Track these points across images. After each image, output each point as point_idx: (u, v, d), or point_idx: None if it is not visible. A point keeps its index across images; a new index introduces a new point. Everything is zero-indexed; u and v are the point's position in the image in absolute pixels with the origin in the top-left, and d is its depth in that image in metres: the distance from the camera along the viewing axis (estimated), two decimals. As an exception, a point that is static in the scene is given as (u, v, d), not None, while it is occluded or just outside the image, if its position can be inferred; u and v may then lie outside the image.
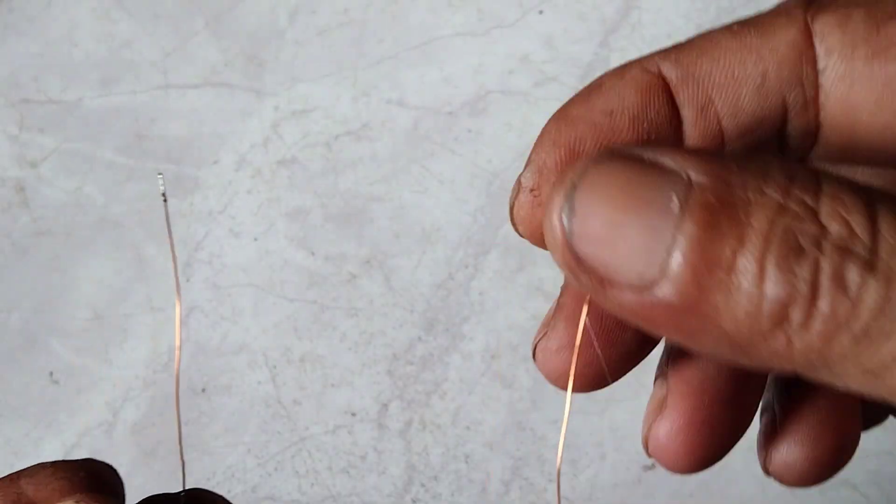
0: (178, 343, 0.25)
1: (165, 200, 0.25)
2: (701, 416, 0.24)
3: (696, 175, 0.17)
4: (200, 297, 0.62)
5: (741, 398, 0.25)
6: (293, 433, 0.59)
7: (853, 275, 0.16)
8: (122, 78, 0.68)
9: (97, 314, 0.62)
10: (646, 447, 0.25)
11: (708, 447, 0.25)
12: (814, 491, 0.56)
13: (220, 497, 0.25)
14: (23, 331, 0.62)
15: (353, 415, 0.59)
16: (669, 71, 0.21)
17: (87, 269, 0.63)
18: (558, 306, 0.25)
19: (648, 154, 0.17)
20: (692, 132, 0.22)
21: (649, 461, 0.57)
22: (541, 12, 0.68)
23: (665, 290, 0.17)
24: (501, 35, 0.68)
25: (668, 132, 0.22)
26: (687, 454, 0.25)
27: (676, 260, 0.17)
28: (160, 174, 0.25)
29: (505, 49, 0.67)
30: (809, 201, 0.16)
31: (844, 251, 0.16)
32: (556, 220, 0.18)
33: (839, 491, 0.56)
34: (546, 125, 0.22)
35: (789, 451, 0.25)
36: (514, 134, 0.65)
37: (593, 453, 0.57)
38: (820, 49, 0.20)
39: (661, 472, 0.57)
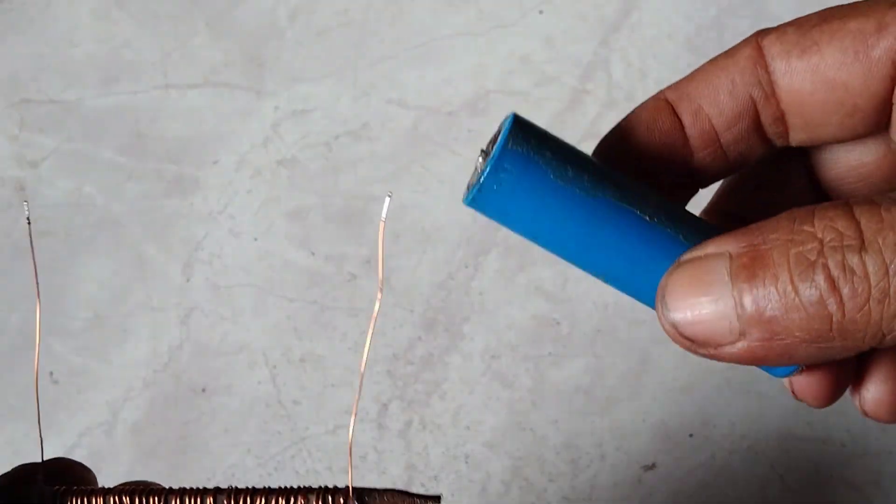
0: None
1: None
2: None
3: (732, 248, 0.24)
4: (200, 297, 0.62)
5: None
6: (293, 433, 0.59)
7: (853, 259, 0.22)
8: (122, 78, 0.68)
9: (97, 314, 0.62)
10: (863, 410, 0.32)
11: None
12: (814, 491, 0.56)
13: (80, 464, 0.30)
14: (23, 331, 0.62)
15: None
16: (671, 94, 0.30)
17: (87, 269, 0.63)
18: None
19: (698, 252, 0.25)
20: (692, 132, 0.29)
21: (649, 461, 0.57)
22: (541, 12, 0.68)
23: (752, 334, 0.24)
24: (501, 35, 0.68)
25: (673, 134, 0.29)
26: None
27: (742, 311, 0.24)
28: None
29: (505, 49, 0.67)
30: (808, 228, 0.23)
31: (839, 248, 0.22)
32: (662, 319, 0.25)
33: (840, 491, 0.56)
34: None
35: (875, 391, 0.31)
36: (514, 134, 0.65)
37: (593, 453, 0.57)
38: (768, 56, 0.28)
39: (661, 471, 0.57)
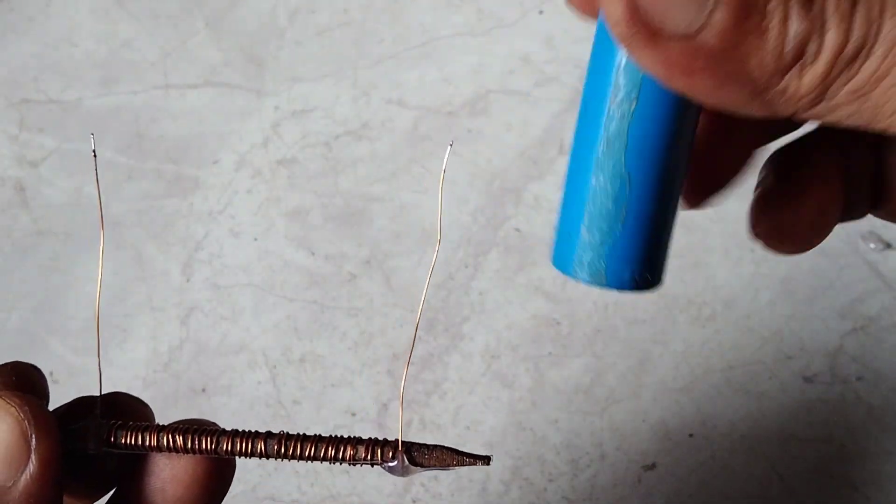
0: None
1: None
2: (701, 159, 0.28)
3: None
4: (200, 297, 0.62)
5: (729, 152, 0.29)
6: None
7: (844, 5, 0.19)
8: (122, 78, 0.68)
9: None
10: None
11: (707, 184, 0.29)
12: (814, 491, 0.56)
13: (136, 399, 0.30)
14: (23, 331, 0.62)
15: (353, 415, 0.59)
16: None
17: (87, 269, 0.63)
18: None
19: None
20: None
21: (649, 461, 0.57)
22: (541, 12, 0.68)
23: (709, 35, 0.20)
24: (501, 35, 0.68)
25: None
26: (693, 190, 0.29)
27: (720, 7, 0.20)
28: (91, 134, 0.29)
29: (505, 49, 0.67)
30: None
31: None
32: None
33: (840, 491, 0.56)
34: None
35: (772, 218, 0.29)
36: (514, 134, 0.65)
37: (593, 453, 0.57)
38: None
39: (661, 471, 0.57)
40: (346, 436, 0.28)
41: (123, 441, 0.28)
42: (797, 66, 0.20)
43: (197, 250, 0.63)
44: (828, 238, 0.29)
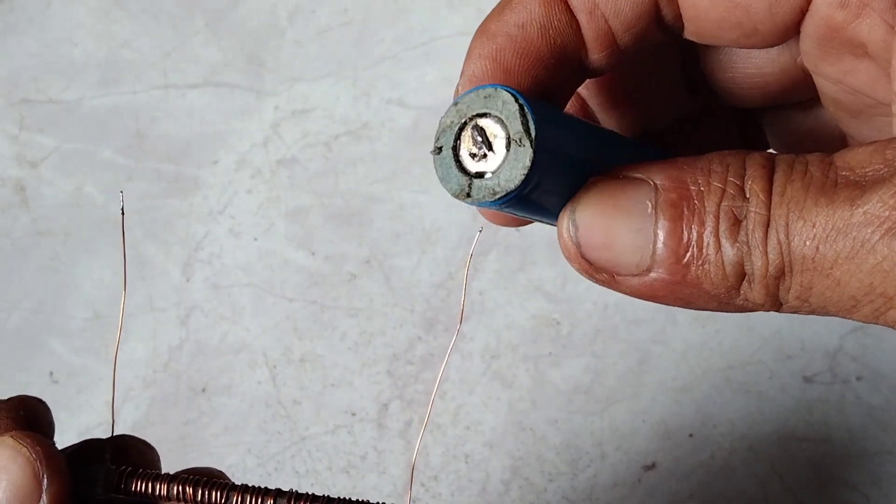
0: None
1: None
2: None
3: (659, 180, 0.23)
4: (200, 297, 0.62)
5: None
6: (293, 433, 0.59)
7: (758, 232, 0.22)
8: (122, 78, 0.68)
9: (97, 314, 0.62)
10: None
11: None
12: (814, 491, 0.56)
13: (144, 443, 0.30)
14: (23, 331, 0.62)
15: (353, 415, 0.59)
16: None
17: (87, 269, 0.63)
18: None
19: (623, 172, 0.23)
20: (588, 33, 0.26)
21: (649, 461, 0.57)
22: (541, 12, 0.68)
23: (658, 272, 0.22)
24: (501, 35, 0.68)
25: (569, 36, 0.26)
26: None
27: (659, 248, 0.22)
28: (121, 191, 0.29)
29: (505, 49, 0.67)
30: (739, 182, 0.22)
31: (758, 215, 0.22)
32: (566, 236, 0.23)
33: (839, 491, 0.56)
34: (472, 41, 0.27)
35: None
36: (514, 134, 0.65)
37: (593, 453, 0.57)
38: None
39: (661, 471, 0.57)
40: (356, 499, 0.28)
41: (133, 488, 0.28)
42: (745, 281, 0.22)
43: (197, 250, 0.63)
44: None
